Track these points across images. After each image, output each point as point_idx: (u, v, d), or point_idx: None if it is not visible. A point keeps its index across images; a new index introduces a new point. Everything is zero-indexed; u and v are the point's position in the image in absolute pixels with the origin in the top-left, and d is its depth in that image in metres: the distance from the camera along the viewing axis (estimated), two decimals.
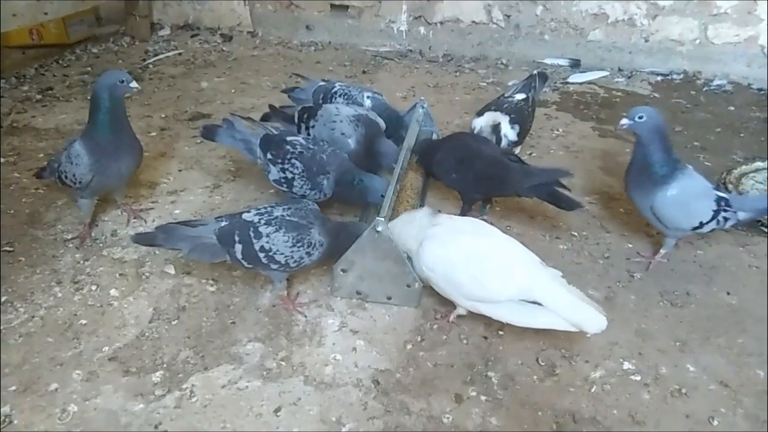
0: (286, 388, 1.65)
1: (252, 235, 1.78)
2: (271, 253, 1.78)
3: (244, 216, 1.83)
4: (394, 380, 1.68)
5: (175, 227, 1.84)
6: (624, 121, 2.00)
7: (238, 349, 1.77)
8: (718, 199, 1.99)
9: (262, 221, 1.80)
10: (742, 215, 2.01)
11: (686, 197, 1.97)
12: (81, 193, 2.13)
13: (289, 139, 2.23)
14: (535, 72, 2.90)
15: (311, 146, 2.21)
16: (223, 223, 1.83)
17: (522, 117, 2.59)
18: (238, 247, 1.79)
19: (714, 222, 1.98)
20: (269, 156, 2.22)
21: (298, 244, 1.79)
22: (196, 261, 1.99)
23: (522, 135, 2.60)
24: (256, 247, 1.78)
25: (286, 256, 1.79)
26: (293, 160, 2.18)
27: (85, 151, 2.02)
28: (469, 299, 1.76)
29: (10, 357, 1.71)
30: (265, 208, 1.87)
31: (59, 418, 1.54)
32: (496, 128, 2.53)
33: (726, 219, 1.99)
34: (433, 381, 1.69)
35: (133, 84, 2.04)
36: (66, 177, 2.08)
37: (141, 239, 1.88)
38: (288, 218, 1.81)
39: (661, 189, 1.97)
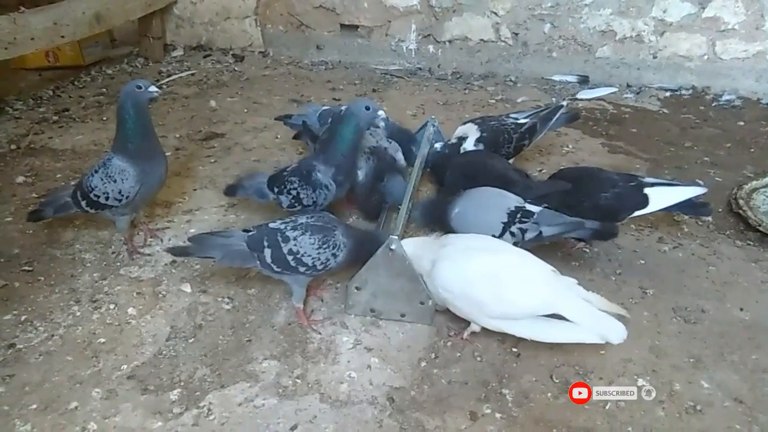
0: (302, 406, 1.66)
1: (280, 239, 1.85)
2: (299, 256, 1.83)
3: (271, 225, 1.91)
4: (408, 398, 1.69)
5: (206, 237, 1.93)
6: None
7: (254, 367, 1.79)
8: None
9: (288, 227, 1.88)
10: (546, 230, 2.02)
11: None
12: (121, 210, 2.14)
13: (287, 170, 2.30)
14: (564, 103, 2.88)
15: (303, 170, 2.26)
16: (252, 232, 1.90)
17: (495, 138, 2.60)
18: (267, 252, 1.84)
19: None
20: (275, 190, 2.29)
21: (324, 246, 1.84)
22: (227, 266, 2.06)
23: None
24: (285, 250, 1.83)
25: (313, 258, 1.84)
26: (289, 178, 2.24)
27: (128, 164, 2.05)
28: (491, 317, 1.77)
29: (30, 376, 1.74)
30: (290, 218, 1.94)
31: None
32: (460, 139, 2.62)
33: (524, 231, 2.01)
34: (447, 398, 1.69)
35: (153, 88, 2.04)
36: (108, 198, 2.07)
37: (175, 251, 1.99)
38: (312, 223, 1.89)
39: None
